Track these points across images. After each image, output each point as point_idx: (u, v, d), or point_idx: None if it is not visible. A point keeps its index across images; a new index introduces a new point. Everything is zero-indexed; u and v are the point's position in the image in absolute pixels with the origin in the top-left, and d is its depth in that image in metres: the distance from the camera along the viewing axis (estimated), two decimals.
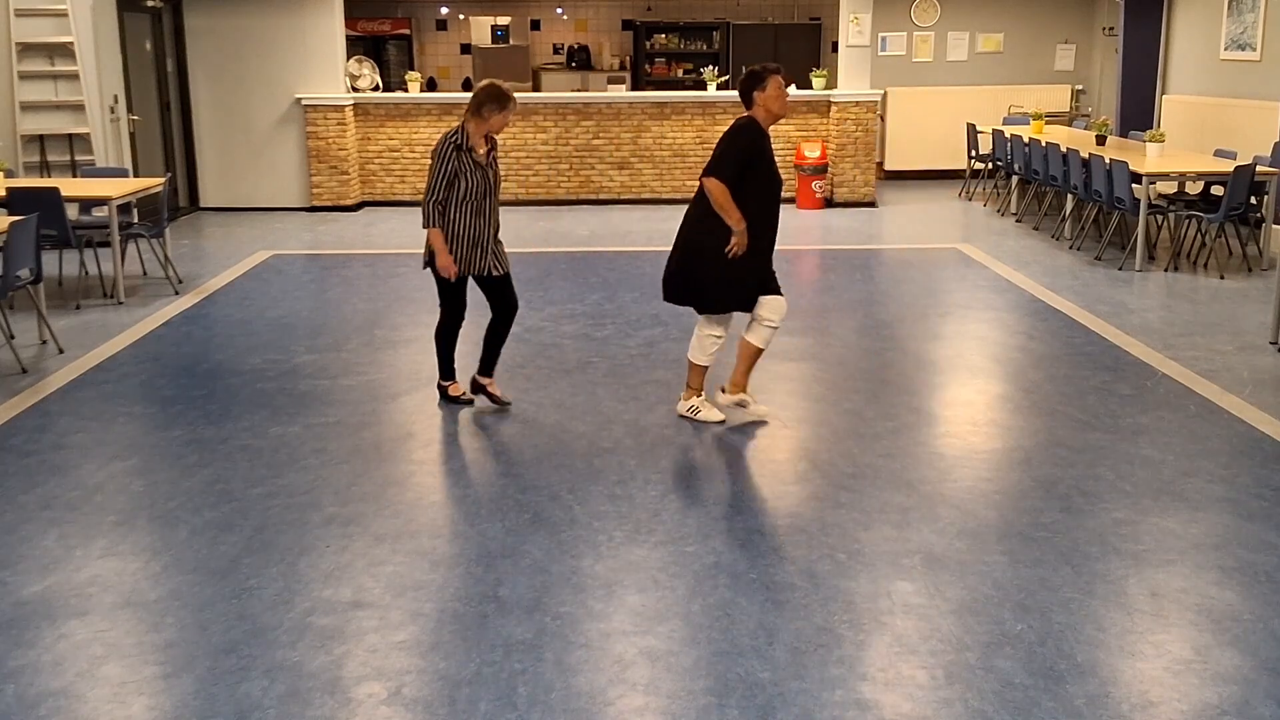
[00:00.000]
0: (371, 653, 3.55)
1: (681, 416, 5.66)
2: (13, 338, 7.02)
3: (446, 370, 5.90)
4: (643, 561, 4.15)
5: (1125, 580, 3.98)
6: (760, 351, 5.53)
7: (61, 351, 6.93)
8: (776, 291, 5.46)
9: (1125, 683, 3.36)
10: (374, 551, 4.24)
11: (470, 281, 5.69)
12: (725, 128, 5.45)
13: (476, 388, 5.90)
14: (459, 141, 5.46)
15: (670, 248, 5.52)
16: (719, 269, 5.31)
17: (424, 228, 5.53)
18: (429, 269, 5.66)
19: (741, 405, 5.63)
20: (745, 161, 5.24)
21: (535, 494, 4.78)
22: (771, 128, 5.37)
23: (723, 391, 5.66)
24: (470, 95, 5.53)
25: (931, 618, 3.73)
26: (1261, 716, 3.19)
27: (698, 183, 5.37)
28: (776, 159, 5.53)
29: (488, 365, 5.87)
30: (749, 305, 5.43)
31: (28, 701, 3.30)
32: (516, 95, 5.58)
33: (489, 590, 3.94)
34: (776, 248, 5.49)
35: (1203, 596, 3.86)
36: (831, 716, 3.20)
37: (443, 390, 5.95)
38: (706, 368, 5.60)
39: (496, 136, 5.67)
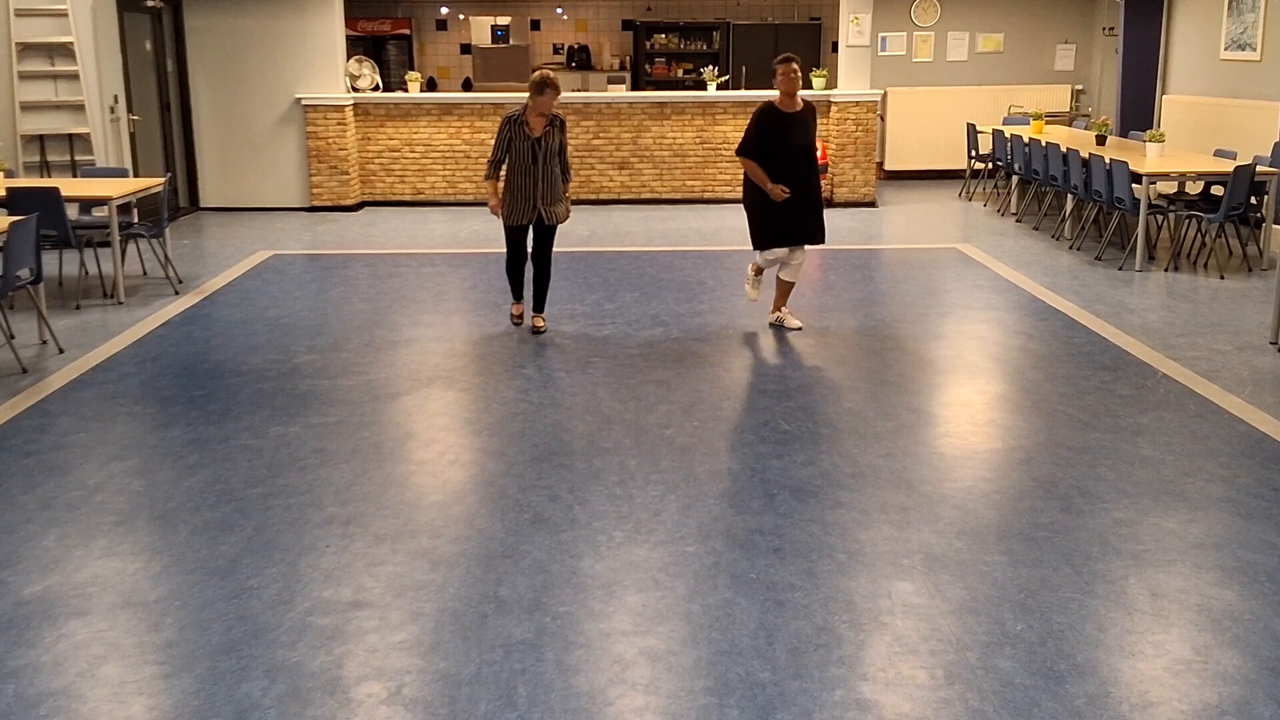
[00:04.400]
0: (371, 653, 3.55)
1: (794, 327, 7.34)
2: (13, 338, 7.02)
3: (514, 293, 7.46)
4: (643, 561, 4.15)
5: (1125, 580, 3.98)
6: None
7: (61, 351, 6.94)
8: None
9: (1125, 683, 3.36)
10: (374, 551, 4.24)
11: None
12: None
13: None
14: (513, 116, 7.03)
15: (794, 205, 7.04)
16: None
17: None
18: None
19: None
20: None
21: (535, 494, 4.78)
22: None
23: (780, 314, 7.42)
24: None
25: (931, 618, 3.73)
26: (1261, 716, 3.19)
27: (737, 162, 7.38)
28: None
29: (535, 303, 7.43)
30: None
31: (28, 701, 3.30)
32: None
33: (489, 590, 3.94)
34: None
35: (1203, 596, 3.86)
36: (831, 716, 3.20)
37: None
38: None
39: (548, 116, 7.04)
